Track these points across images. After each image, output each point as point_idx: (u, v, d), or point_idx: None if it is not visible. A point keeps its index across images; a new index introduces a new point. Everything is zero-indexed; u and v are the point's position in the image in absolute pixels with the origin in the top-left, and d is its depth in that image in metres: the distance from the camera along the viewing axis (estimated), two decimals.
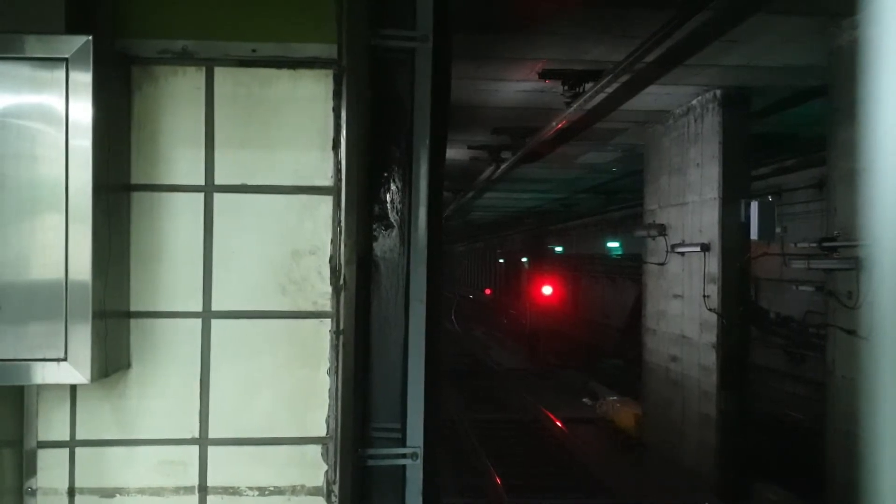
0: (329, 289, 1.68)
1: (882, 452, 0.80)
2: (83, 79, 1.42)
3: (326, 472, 1.69)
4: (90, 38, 1.42)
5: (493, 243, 32.45)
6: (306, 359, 1.68)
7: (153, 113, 1.65)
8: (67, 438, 1.65)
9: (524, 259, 25.35)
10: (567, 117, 8.02)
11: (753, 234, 7.60)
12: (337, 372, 1.68)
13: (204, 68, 1.66)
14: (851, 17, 5.83)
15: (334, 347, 1.68)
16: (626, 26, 6.12)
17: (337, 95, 1.67)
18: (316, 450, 1.69)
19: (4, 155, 1.41)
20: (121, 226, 1.61)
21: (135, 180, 1.65)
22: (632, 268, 15.51)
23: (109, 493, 1.66)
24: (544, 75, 7.53)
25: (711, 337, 8.31)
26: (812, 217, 10.17)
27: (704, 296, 8.31)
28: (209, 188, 1.66)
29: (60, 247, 1.43)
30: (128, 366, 1.65)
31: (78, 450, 1.66)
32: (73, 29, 1.46)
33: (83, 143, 1.43)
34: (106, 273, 1.50)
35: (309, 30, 1.67)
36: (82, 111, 1.42)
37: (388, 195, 1.93)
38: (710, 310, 8.24)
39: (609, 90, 7.34)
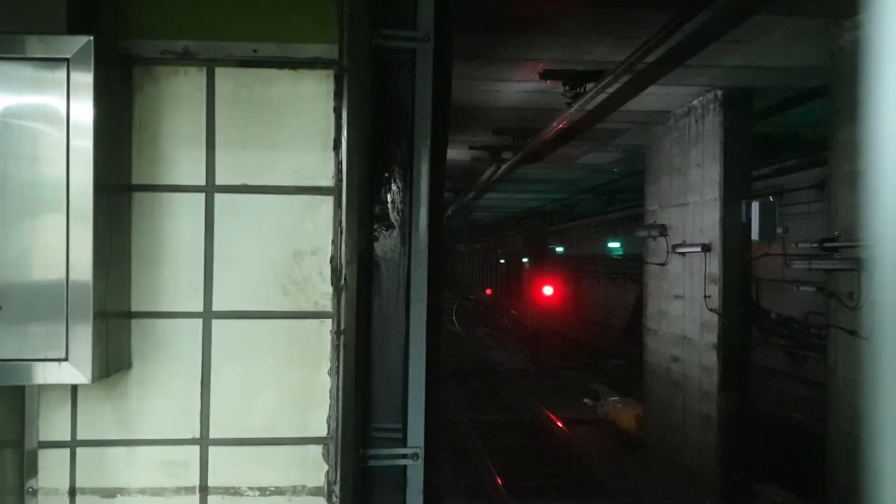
0: (330, 289, 1.68)
1: (884, 453, 0.80)
2: (84, 79, 1.42)
3: (327, 472, 1.69)
4: (91, 38, 1.42)
5: (494, 244, 32.45)
6: (307, 359, 1.68)
7: (154, 113, 1.65)
8: (68, 438, 1.66)
9: (525, 259, 25.35)
10: (568, 118, 8.01)
11: (754, 235, 7.59)
12: (338, 372, 1.68)
13: (205, 69, 1.66)
14: (853, 18, 5.83)
15: (335, 347, 1.68)
16: (627, 26, 6.12)
17: (338, 96, 1.67)
18: (317, 450, 1.69)
19: (6, 155, 1.41)
20: (122, 226, 1.61)
21: (136, 181, 1.65)
22: (633, 268, 15.51)
23: (110, 493, 1.66)
24: (545, 76, 7.53)
25: (712, 337, 8.31)
26: (813, 217, 10.17)
27: (705, 296, 8.31)
28: (210, 188, 1.66)
29: (62, 247, 1.43)
30: (129, 366, 1.65)
31: (79, 450, 1.66)
32: (74, 29, 1.46)
33: (84, 144, 1.43)
34: (107, 273, 1.50)
35: (310, 30, 1.67)
36: (83, 112, 1.43)
37: (388, 195, 1.93)
38: (711, 310, 8.24)
39: (610, 91, 7.34)
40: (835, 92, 6.36)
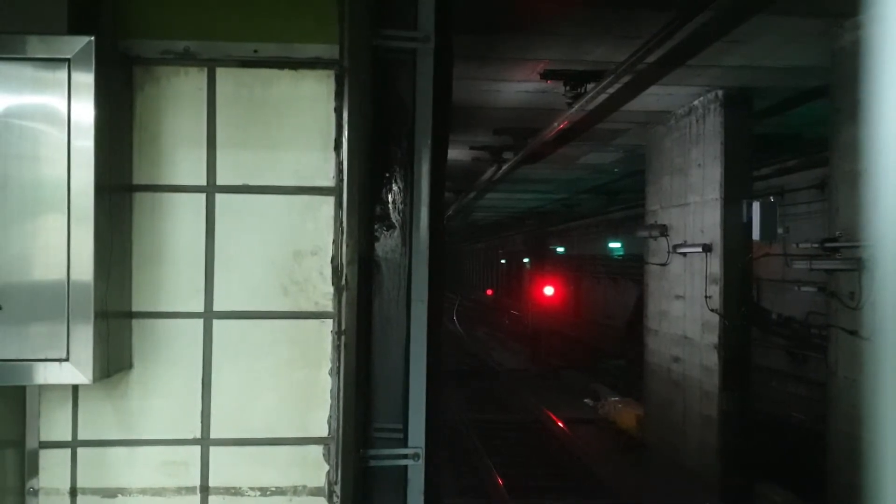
0: (331, 289, 1.68)
1: (884, 453, 0.80)
2: (85, 79, 1.42)
3: (328, 472, 1.69)
4: (92, 38, 1.42)
5: (495, 244, 32.45)
6: (308, 359, 1.68)
7: (155, 113, 1.66)
8: (69, 439, 1.66)
9: (526, 260, 25.35)
10: (568, 118, 8.00)
11: (755, 235, 7.59)
12: (339, 372, 1.68)
13: (206, 69, 1.66)
14: (854, 18, 5.82)
15: (336, 348, 1.68)
16: (627, 27, 6.11)
17: (338, 96, 1.67)
18: (318, 450, 1.69)
19: (7, 155, 1.42)
20: (123, 226, 1.61)
21: (137, 181, 1.65)
22: (633, 268, 15.50)
23: (111, 493, 1.66)
24: (546, 76, 7.53)
25: (713, 337, 8.30)
26: (814, 218, 10.16)
27: (706, 296, 8.30)
28: (211, 189, 1.66)
29: (62, 247, 1.43)
30: (130, 366, 1.65)
31: (80, 450, 1.66)
32: (75, 30, 1.47)
33: (85, 144, 1.43)
34: (108, 273, 1.50)
35: (311, 30, 1.67)
36: (84, 112, 1.43)
37: (389, 195, 1.93)
38: (711, 310, 8.23)
39: (611, 91, 7.33)
40: (835, 92, 6.35)
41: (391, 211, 1.93)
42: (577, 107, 7.54)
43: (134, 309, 1.65)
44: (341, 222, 1.68)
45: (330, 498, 1.68)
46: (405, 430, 1.92)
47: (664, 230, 9.49)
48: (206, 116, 1.66)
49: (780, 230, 7.70)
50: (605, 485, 9.17)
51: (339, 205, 1.68)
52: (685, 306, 9.04)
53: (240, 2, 1.68)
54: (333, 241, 1.68)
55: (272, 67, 1.67)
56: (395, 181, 1.93)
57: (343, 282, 1.68)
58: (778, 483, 7.93)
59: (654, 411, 10.15)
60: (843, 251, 6.03)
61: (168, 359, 1.67)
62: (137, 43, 1.64)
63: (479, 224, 31.32)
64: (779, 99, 8.29)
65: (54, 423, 1.66)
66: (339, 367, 1.68)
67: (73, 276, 1.43)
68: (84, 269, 1.43)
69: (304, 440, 1.68)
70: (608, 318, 19.60)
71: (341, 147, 1.67)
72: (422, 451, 1.91)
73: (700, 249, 8.37)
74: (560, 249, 24.56)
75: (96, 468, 1.66)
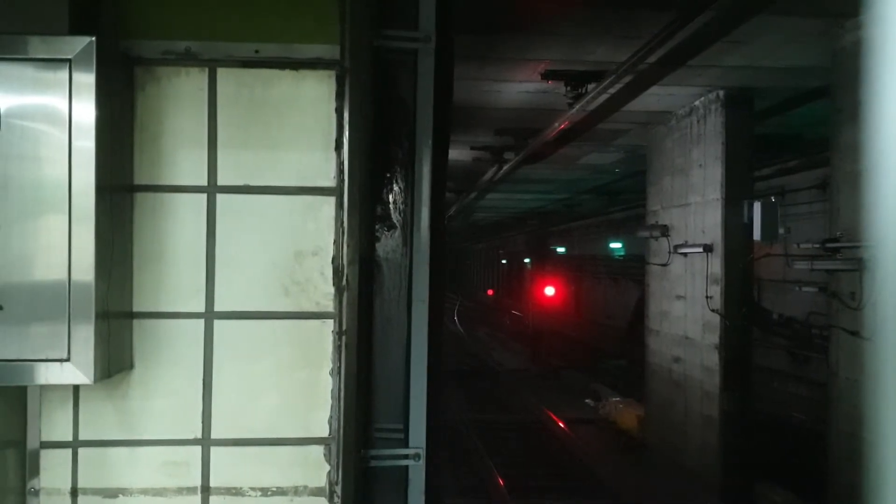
0: (332, 289, 1.68)
1: (885, 453, 0.80)
2: (86, 80, 1.42)
3: (329, 472, 1.69)
4: (93, 39, 1.43)
5: (496, 244, 32.44)
6: (309, 359, 1.68)
7: (156, 114, 1.66)
8: (70, 439, 1.66)
9: (526, 260, 25.34)
10: (569, 118, 8.00)
11: (756, 235, 7.58)
12: (339, 372, 1.68)
13: (207, 69, 1.66)
14: (855, 18, 5.82)
15: (337, 348, 1.68)
16: (628, 27, 6.12)
17: (339, 96, 1.67)
18: (319, 450, 1.69)
19: (8, 156, 1.42)
20: (124, 226, 1.61)
21: (138, 181, 1.65)
22: (634, 268, 15.50)
23: (112, 493, 1.66)
24: (547, 76, 7.53)
25: (714, 338, 8.30)
26: (815, 218, 10.16)
27: (707, 297, 8.30)
28: (212, 189, 1.66)
29: (64, 247, 1.43)
30: (131, 366, 1.65)
31: (81, 450, 1.66)
32: (76, 30, 1.47)
33: (86, 144, 1.43)
34: (109, 273, 1.50)
35: (311, 30, 1.67)
36: (85, 112, 1.43)
37: (390, 196, 1.93)
38: (712, 311, 8.23)
39: (612, 91, 7.34)
40: (836, 92, 6.35)
41: (392, 211, 1.93)
42: (577, 107, 7.54)
43: (135, 309, 1.65)
44: (342, 222, 1.68)
45: (331, 498, 1.69)
46: (406, 431, 1.92)
47: (665, 230, 9.48)
48: (207, 117, 1.66)
49: (780, 230, 7.70)
50: (606, 485, 9.16)
51: (340, 205, 1.68)
52: (686, 306, 9.04)
53: (240, 2, 1.68)
54: (334, 242, 1.68)
55: (273, 68, 1.67)
56: (396, 181, 1.93)
57: (344, 282, 1.68)
58: (778, 483, 7.92)
59: (655, 411, 10.15)
60: (844, 251, 6.03)
61: (169, 359, 1.67)
62: (138, 43, 1.64)
63: (480, 224, 31.31)
64: (780, 99, 8.29)
65: (55, 424, 1.66)
66: (339, 368, 1.68)
67: (74, 277, 1.43)
68: (85, 269, 1.43)
69: (304, 440, 1.69)
70: (609, 319, 19.60)
71: (342, 147, 1.67)
72: (422, 452, 1.91)
73: (701, 250, 8.37)
74: (561, 250, 24.56)
75: (97, 468, 1.66)
